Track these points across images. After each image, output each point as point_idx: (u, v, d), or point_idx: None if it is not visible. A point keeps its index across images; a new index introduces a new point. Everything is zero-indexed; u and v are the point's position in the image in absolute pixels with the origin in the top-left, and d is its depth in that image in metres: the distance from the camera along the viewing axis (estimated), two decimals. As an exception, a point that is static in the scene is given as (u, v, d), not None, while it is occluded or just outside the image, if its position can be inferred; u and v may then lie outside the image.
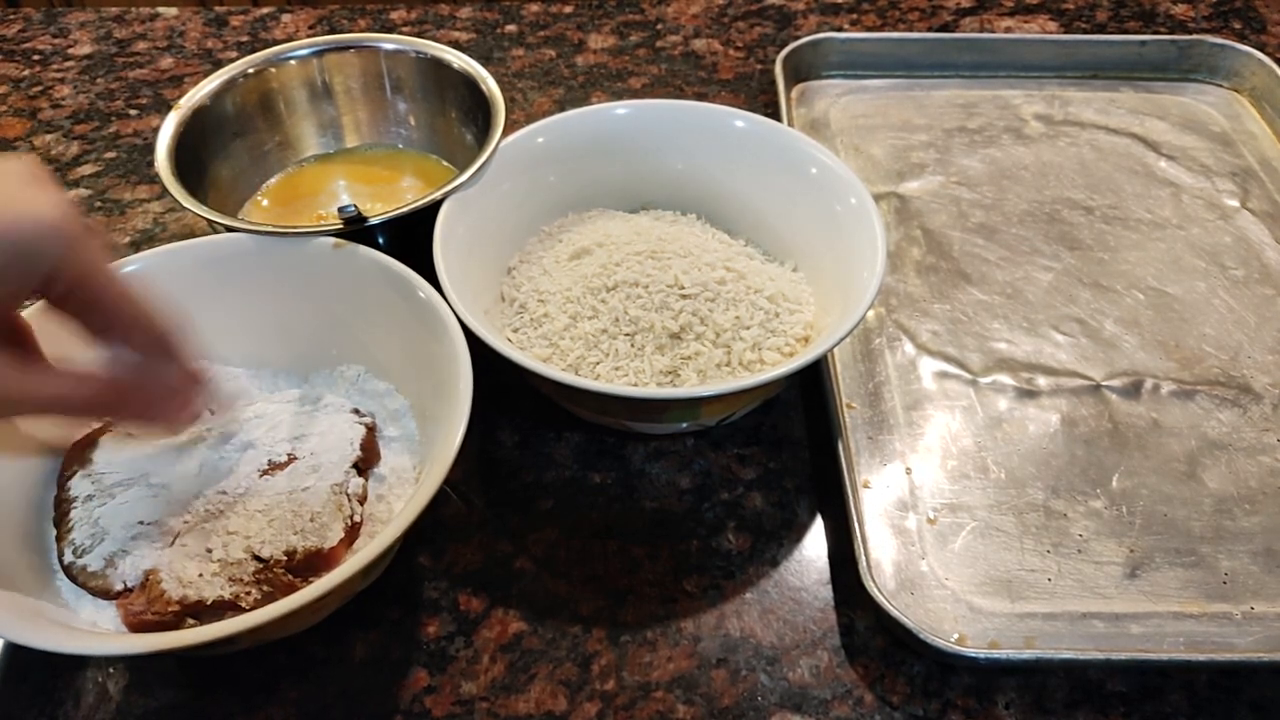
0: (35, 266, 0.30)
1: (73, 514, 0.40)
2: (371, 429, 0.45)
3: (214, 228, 0.50)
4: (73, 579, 0.39)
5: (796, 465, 0.50)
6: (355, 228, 0.48)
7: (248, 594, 0.39)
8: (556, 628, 0.44)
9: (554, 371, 0.44)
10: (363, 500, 0.43)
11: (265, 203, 0.59)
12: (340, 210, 0.48)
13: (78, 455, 0.42)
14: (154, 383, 0.36)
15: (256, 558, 0.39)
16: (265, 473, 0.42)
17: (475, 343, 0.43)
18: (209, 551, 0.39)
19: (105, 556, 0.39)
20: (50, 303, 0.34)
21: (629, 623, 0.44)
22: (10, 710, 0.41)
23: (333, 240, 0.48)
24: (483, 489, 0.49)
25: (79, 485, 0.41)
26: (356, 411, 0.45)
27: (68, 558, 0.40)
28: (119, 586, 0.39)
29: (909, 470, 0.50)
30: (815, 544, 0.47)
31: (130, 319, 0.34)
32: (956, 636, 0.43)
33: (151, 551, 0.39)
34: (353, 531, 0.42)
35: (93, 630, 0.38)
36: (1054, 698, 0.42)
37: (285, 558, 0.40)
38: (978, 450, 0.50)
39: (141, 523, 0.40)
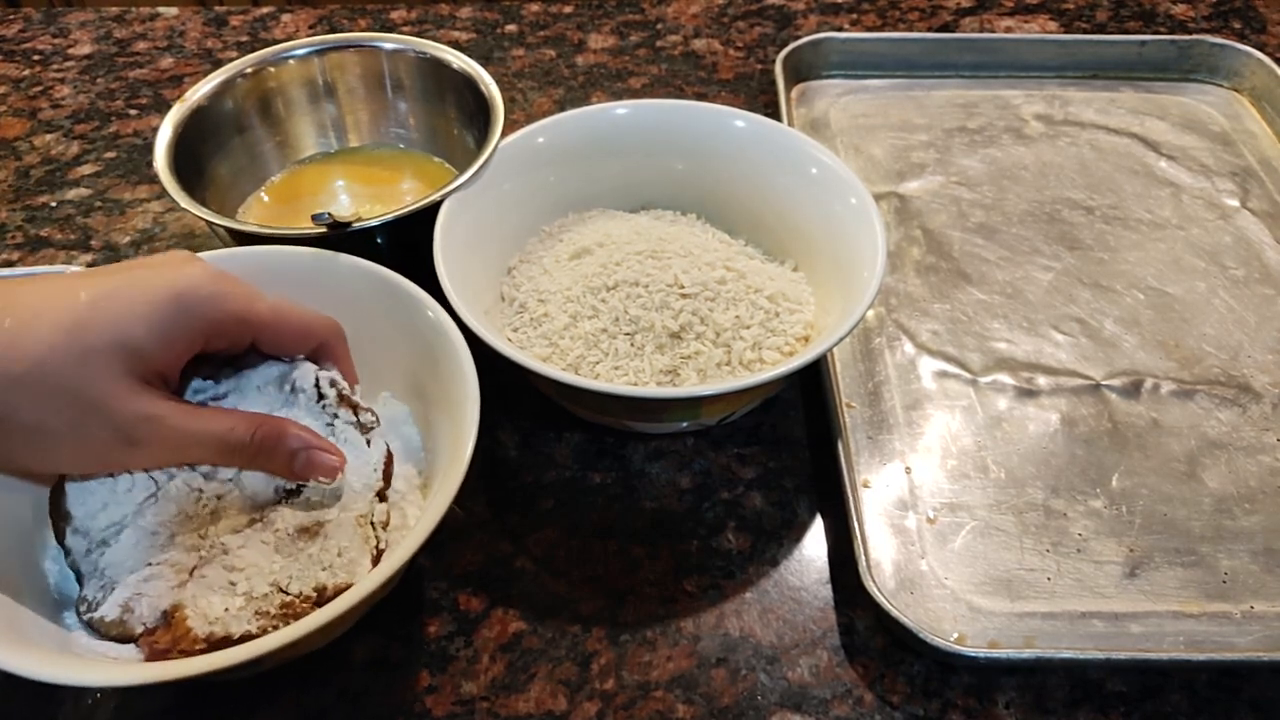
0: (196, 317, 0.36)
1: (82, 568, 0.39)
2: (390, 453, 0.43)
3: (212, 228, 0.50)
4: (94, 631, 0.38)
5: (796, 465, 0.50)
6: (337, 233, 0.48)
7: (274, 627, 0.37)
8: (556, 627, 0.44)
9: (554, 371, 0.44)
10: (385, 525, 0.42)
11: (266, 198, 0.59)
12: (315, 218, 0.48)
13: (56, 511, 0.40)
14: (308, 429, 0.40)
15: (282, 590, 0.38)
16: (278, 502, 0.40)
17: (475, 343, 0.43)
18: (233, 585, 0.38)
19: (120, 604, 0.38)
20: (228, 354, 0.40)
21: (629, 622, 0.44)
22: (10, 710, 0.41)
23: (312, 250, 0.47)
24: (483, 489, 0.49)
25: (73, 541, 0.39)
26: (355, 411, 0.43)
27: (85, 614, 0.38)
28: (139, 629, 0.38)
29: (909, 470, 0.50)
30: (815, 544, 0.47)
31: (297, 329, 0.40)
32: (956, 636, 0.43)
33: (168, 591, 0.38)
34: (377, 559, 0.40)
35: (117, 660, 0.38)
36: (1054, 697, 0.42)
37: (315, 594, 0.38)
38: (977, 450, 0.50)
39: (150, 564, 0.38)
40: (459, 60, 0.59)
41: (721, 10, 0.84)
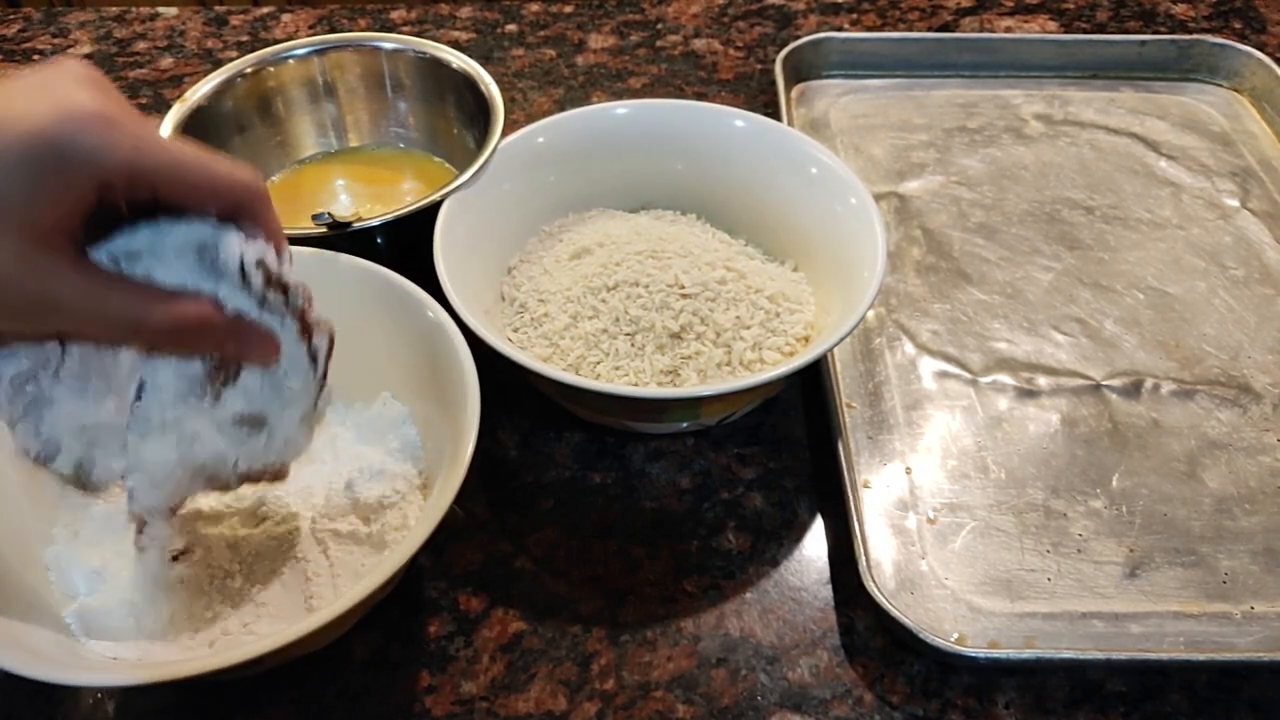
0: (81, 163, 0.30)
1: (2, 411, 0.36)
2: (332, 338, 0.39)
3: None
4: (55, 475, 0.37)
5: (796, 465, 0.50)
6: (337, 233, 0.48)
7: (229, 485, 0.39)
8: (556, 627, 0.44)
9: (554, 371, 0.44)
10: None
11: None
12: (315, 218, 0.48)
13: None
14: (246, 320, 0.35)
15: (233, 465, 0.38)
16: (210, 378, 0.37)
17: (476, 343, 0.43)
18: (185, 469, 0.38)
19: (72, 464, 0.36)
20: (129, 208, 0.33)
21: (629, 623, 0.44)
22: (10, 710, 0.41)
23: (312, 250, 0.47)
24: (483, 489, 0.49)
25: None
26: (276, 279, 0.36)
27: (31, 458, 0.36)
28: (100, 491, 0.38)
29: (909, 470, 0.50)
30: (815, 544, 0.47)
31: (202, 185, 0.33)
32: (956, 636, 0.43)
33: (116, 459, 0.37)
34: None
35: (116, 660, 0.39)
36: (1054, 697, 0.42)
37: (262, 468, 0.39)
38: (978, 450, 0.50)
39: (84, 426, 0.36)
40: (459, 60, 0.59)
41: (721, 10, 0.84)
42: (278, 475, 0.40)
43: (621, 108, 0.57)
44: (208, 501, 0.44)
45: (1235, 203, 0.65)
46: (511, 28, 0.82)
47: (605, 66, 0.78)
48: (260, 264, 0.35)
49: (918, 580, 0.45)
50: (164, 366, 0.36)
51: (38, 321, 0.33)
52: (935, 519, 0.48)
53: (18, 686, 0.42)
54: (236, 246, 0.35)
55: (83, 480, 0.37)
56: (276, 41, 0.68)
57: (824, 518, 0.48)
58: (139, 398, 0.36)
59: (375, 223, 0.49)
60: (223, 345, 0.35)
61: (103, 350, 0.35)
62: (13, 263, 0.30)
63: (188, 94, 0.56)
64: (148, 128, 0.32)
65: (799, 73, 0.74)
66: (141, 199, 0.33)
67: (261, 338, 0.36)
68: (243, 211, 0.34)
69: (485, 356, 0.43)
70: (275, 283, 0.36)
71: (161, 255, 0.34)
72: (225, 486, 0.39)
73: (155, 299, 0.33)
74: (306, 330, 0.37)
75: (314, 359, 0.38)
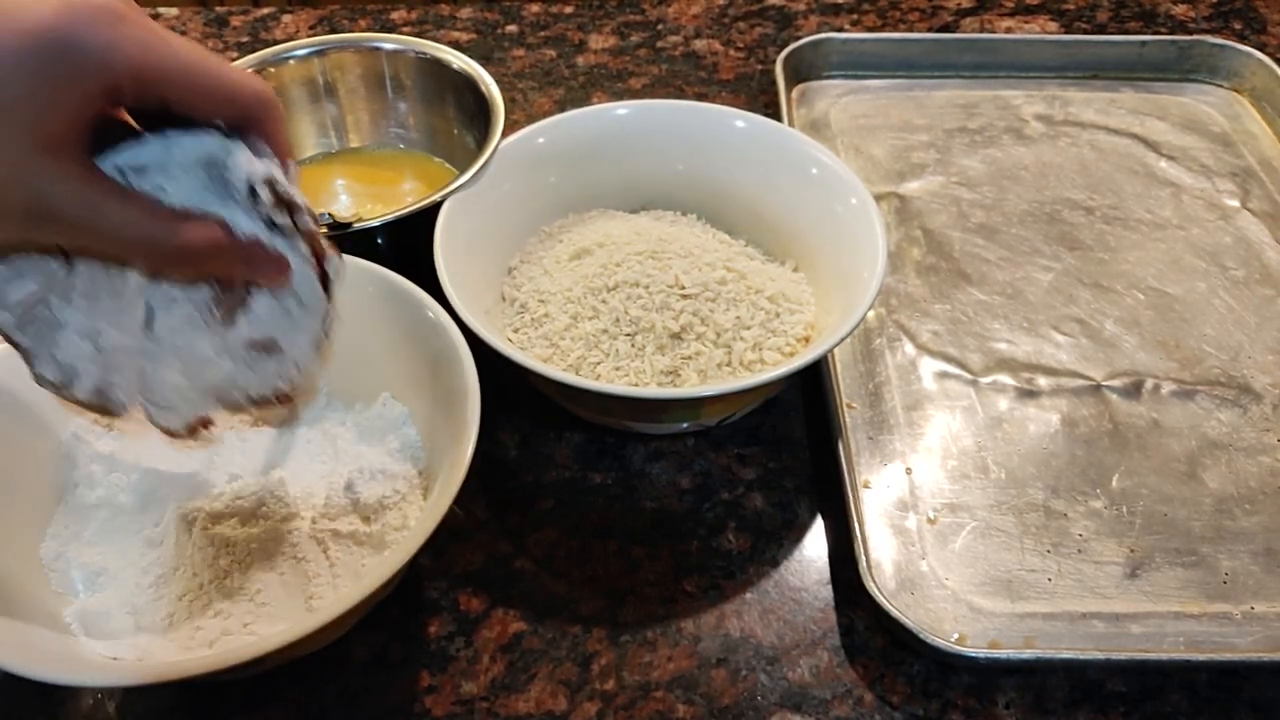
0: (89, 61, 0.29)
1: (19, 343, 0.36)
2: (343, 260, 0.38)
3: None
4: (75, 404, 0.37)
5: (796, 465, 0.50)
6: (337, 233, 0.48)
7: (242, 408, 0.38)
8: (556, 628, 0.44)
9: (555, 371, 0.44)
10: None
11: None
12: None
13: None
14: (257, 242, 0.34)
15: (246, 392, 0.38)
16: (220, 302, 0.36)
17: (476, 343, 0.43)
18: (197, 392, 0.37)
19: (90, 389, 0.36)
20: (135, 115, 0.33)
21: (629, 623, 0.44)
22: (11, 709, 0.41)
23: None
24: (483, 489, 0.49)
25: None
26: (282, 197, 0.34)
27: (48, 385, 0.36)
28: (122, 412, 0.37)
29: (909, 470, 0.50)
30: (815, 544, 0.47)
31: (213, 90, 0.32)
32: (956, 636, 0.43)
33: (131, 378, 0.37)
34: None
35: (117, 660, 0.39)
36: (1054, 697, 0.42)
37: (274, 398, 0.38)
38: (978, 450, 0.50)
39: (99, 350, 0.36)
40: (459, 60, 0.59)
41: (722, 11, 0.84)
42: (289, 401, 0.39)
43: (622, 108, 0.57)
44: (208, 501, 0.44)
45: (1235, 203, 0.65)
46: (512, 28, 0.82)
47: (605, 67, 0.78)
48: (269, 182, 0.34)
49: (918, 580, 0.45)
50: (171, 291, 0.35)
51: (40, 232, 0.31)
52: (935, 519, 0.48)
53: (18, 687, 0.42)
54: (245, 162, 0.33)
55: (105, 404, 0.36)
56: (277, 42, 0.68)
57: (824, 518, 0.48)
58: (149, 326, 0.36)
59: (375, 223, 0.49)
60: (232, 269, 0.34)
61: (110, 271, 0.35)
62: (18, 166, 0.29)
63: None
64: (155, 25, 0.30)
65: (799, 73, 0.74)
66: (149, 107, 0.31)
67: (272, 261, 0.34)
68: (251, 123, 0.33)
69: (485, 356, 0.43)
70: (284, 202, 0.34)
71: (169, 170, 0.33)
72: (237, 409, 0.39)
73: (164, 218, 0.32)
74: (317, 253, 0.36)
75: (325, 284, 0.36)
